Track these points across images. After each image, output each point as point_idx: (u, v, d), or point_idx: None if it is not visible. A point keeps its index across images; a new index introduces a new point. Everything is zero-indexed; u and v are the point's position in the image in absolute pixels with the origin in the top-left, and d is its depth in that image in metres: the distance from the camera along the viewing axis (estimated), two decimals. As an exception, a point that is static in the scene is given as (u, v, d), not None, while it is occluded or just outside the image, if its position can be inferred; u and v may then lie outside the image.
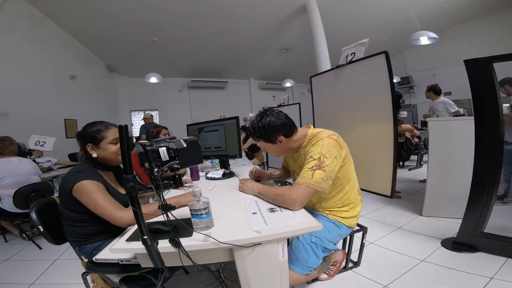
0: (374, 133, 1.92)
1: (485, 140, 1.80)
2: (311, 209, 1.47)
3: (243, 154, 4.46)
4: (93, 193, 1.09)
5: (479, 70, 1.75)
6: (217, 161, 2.40)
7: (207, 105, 8.61)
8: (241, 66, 8.25)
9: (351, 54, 2.03)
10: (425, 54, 7.54)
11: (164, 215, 0.83)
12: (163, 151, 0.80)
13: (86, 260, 1.24)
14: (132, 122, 8.06)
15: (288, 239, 1.21)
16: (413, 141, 4.17)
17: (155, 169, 0.79)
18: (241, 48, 6.98)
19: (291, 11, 5.57)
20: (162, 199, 0.80)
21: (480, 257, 1.81)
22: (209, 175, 1.98)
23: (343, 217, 1.39)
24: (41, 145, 3.64)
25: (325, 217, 1.40)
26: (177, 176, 0.89)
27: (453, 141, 2.47)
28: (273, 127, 1.30)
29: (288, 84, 7.75)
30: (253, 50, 7.22)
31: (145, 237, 0.75)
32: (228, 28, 5.91)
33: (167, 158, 0.81)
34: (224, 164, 2.13)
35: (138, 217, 0.74)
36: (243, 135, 4.99)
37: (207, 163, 2.62)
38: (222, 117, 2.19)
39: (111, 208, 1.08)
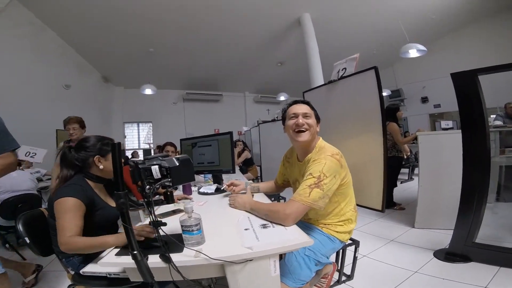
0: (365, 147, 1.94)
1: (473, 151, 1.84)
2: (307, 222, 1.47)
3: (237, 168, 4.47)
4: (63, 211, 1.10)
5: (465, 83, 1.81)
6: (210, 175, 2.40)
7: (202, 118, 8.61)
8: (236, 79, 8.34)
9: (342, 70, 2.08)
10: (415, 67, 7.70)
11: (155, 231, 0.84)
12: (155, 169, 0.82)
13: (72, 272, 1.23)
14: (125, 134, 8.01)
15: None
16: (405, 156, 4.25)
17: (147, 187, 0.80)
18: (237, 62, 7.08)
19: (286, 25, 5.71)
20: (153, 216, 0.80)
21: (473, 267, 1.83)
22: (201, 190, 1.97)
23: (337, 231, 1.39)
24: (31, 156, 3.56)
25: (320, 231, 1.39)
26: (168, 193, 0.89)
27: (443, 154, 2.53)
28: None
29: (282, 98, 7.84)
30: (248, 64, 7.33)
31: (135, 252, 0.76)
32: (224, 41, 6.02)
33: (159, 176, 0.83)
34: (217, 179, 2.13)
35: (129, 232, 0.75)
36: (238, 149, 5.01)
37: (199, 177, 2.61)
38: (216, 131, 2.21)
39: (65, 229, 1.08)
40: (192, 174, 0.94)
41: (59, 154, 1.33)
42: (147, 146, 7.79)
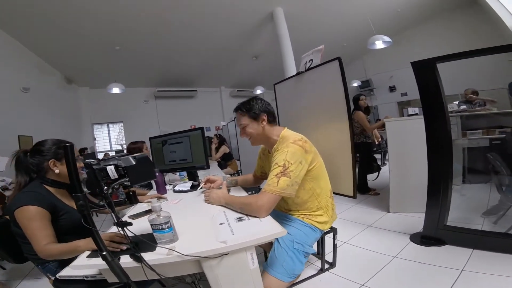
0: (334, 135, 1.99)
1: (435, 136, 1.93)
2: (287, 213, 1.47)
3: (215, 164, 4.42)
4: (28, 220, 1.08)
5: (425, 71, 1.88)
6: (185, 173, 2.34)
7: (176, 115, 8.39)
8: (211, 74, 8.19)
9: (309, 61, 2.11)
10: (382, 58, 7.94)
11: (122, 231, 0.82)
12: (111, 169, 0.80)
13: (53, 278, 1.19)
14: (95, 136, 7.64)
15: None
16: (376, 142, 4.42)
17: (105, 187, 0.77)
18: (211, 56, 6.94)
19: (259, 19, 5.70)
20: (115, 216, 0.78)
21: (448, 250, 1.89)
22: (176, 188, 1.93)
23: (318, 222, 1.40)
24: (-8, 165, 3.33)
25: (302, 222, 1.40)
26: (131, 193, 0.86)
27: (409, 140, 2.63)
28: (259, 105, 1.42)
29: (258, 91, 7.83)
30: (223, 59, 7.23)
31: (104, 253, 0.75)
32: (197, 36, 5.88)
33: (116, 176, 0.81)
34: (192, 176, 2.08)
35: (94, 234, 0.74)
36: (215, 143, 4.95)
37: (175, 176, 2.55)
38: (193, 127, 2.16)
39: (38, 238, 1.07)
40: (151, 172, 0.93)
41: (13, 159, 1.26)
42: (119, 147, 7.48)
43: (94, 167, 0.77)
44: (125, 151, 6.39)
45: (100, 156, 6.96)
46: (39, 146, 1.24)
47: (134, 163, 0.81)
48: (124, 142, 7.61)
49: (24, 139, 4.88)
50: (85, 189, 0.79)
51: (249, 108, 1.42)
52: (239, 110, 1.46)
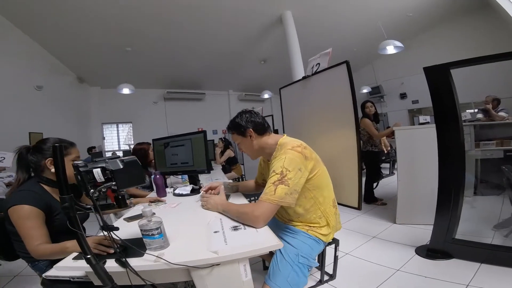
0: (339, 143, 1.94)
1: (447, 145, 1.84)
2: (289, 224, 1.41)
3: (219, 167, 4.40)
4: (22, 219, 1.08)
5: (438, 77, 1.81)
6: (187, 176, 2.32)
7: (184, 118, 8.44)
8: (219, 77, 8.23)
9: (316, 65, 2.06)
10: (393, 63, 7.74)
11: (108, 236, 0.80)
12: (97, 172, 0.78)
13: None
14: (104, 135, 7.75)
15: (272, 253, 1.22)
16: (385, 150, 4.31)
17: (91, 190, 0.75)
18: (219, 59, 6.97)
19: (268, 23, 5.69)
20: (102, 220, 0.76)
21: (454, 264, 1.82)
22: (176, 191, 1.90)
23: (322, 234, 1.34)
24: (0, 161, 3.40)
25: (306, 234, 1.33)
26: (120, 197, 0.84)
27: (419, 149, 2.55)
28: (245, 120, 1.38)
29: (266, 96, 7.81)
30: (231, 62, 7.24)
31: (88, 256, 0.73)
32: (205, 38, 5.91)
33: (103, 179, 0.79)
34: (193, 180, 2.06)
35: (79, 237, 0.72)
36: (220, 147, 4.94)
37: (177, 178, 2.53)
38: (200, 129, 2.14)
39: (30, 238, 1.07)
40: (140, 176, 0.90)
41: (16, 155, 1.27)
42: (127, 147, 7.56)
43: (81, 169, 0.74)
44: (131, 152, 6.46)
45: (108, 155, 7.06)
46: (41, 144, 1.24)
47: (121, 166, 0.79)
48: (132, 142, 7.69)
49: (35, 136, 4.98)
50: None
51: (235, 125, 1.41)
52: (229, 129, 1.47)
